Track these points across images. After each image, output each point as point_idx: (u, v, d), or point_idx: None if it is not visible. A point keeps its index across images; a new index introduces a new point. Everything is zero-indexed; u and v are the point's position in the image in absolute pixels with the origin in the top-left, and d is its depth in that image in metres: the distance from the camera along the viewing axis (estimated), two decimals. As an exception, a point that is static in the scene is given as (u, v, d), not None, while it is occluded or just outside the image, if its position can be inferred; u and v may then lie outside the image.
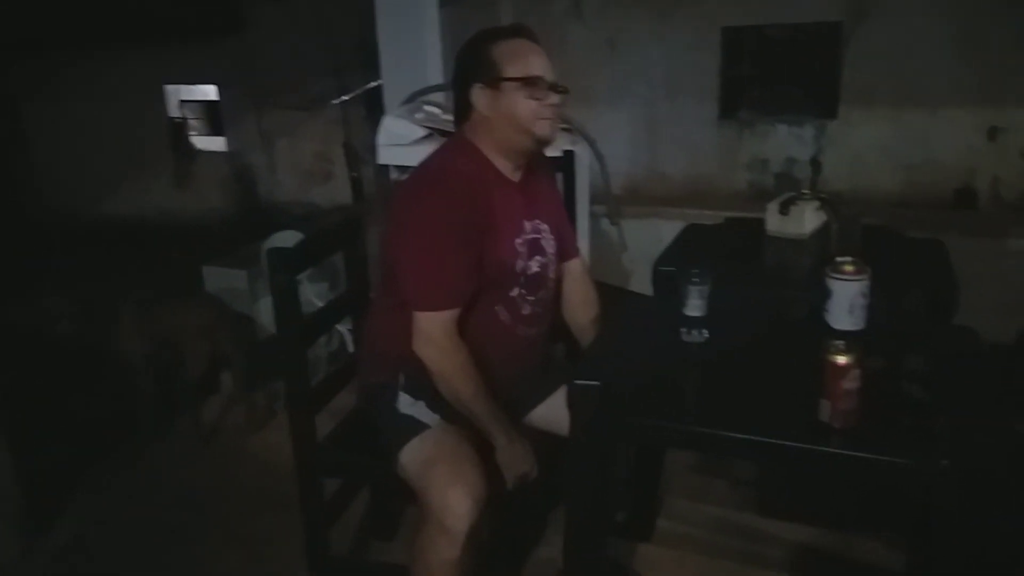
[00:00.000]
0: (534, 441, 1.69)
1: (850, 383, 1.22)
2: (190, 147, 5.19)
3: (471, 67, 1.61)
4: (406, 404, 1.65)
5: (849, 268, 1.54)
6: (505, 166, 1.66)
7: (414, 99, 2.67)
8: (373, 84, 3.37)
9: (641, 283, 2.33)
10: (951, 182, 3.44)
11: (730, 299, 1.56)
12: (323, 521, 1.85)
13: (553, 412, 1.74)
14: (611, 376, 1.43)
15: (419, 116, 2.54)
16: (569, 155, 2.32)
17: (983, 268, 2.63)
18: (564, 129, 2.67)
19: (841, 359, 1.22)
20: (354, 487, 2.03)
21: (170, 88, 5.09)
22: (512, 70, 1.57)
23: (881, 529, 2.07)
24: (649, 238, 2.73)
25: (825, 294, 1.56)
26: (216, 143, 5.12)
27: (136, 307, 2.62)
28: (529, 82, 1.56)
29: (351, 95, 4.06)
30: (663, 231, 2.67)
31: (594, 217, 2.86)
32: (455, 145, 1.69)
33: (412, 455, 1.61)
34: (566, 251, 1.85)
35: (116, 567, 2.14)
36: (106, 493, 2.43)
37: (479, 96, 1.60)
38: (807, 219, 2.20)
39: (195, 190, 5.18)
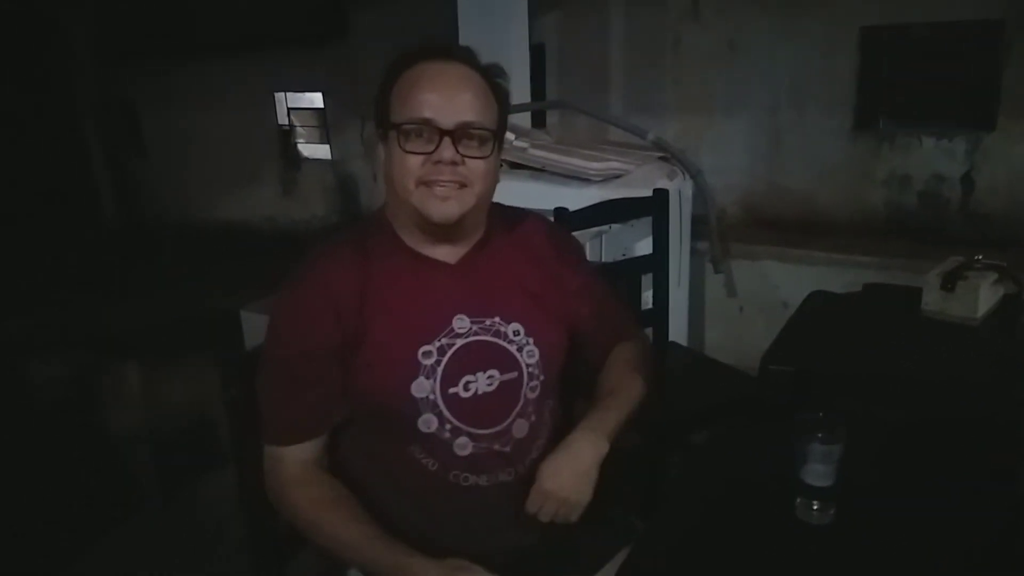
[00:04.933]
0: None
1: None
2: (298, 154, 5.18)
3: (376, 105, 1.16)
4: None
5: None
6: (423, 243, 1.18)
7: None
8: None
9: (755, 339, 1.92)
10: None
11: (872, 431, 1.09)
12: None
13: None
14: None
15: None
16: (661, 196, 1.94)
17: None
18: (662, 158, 2.36)
19: None
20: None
21: (279, 96, 5.09)
22: (395, 109, 1.11)
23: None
24: (764, 283, 2.37)
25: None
26: (322, 151, 5.08)
27: (140, 372, 2.27)
28: (407, 129, 1.09)
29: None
30: (782, 275, 2.30)
31: (697, 255, 2.49)
32: (362, 223, 1.25)
33: None
34: (598, 354, 1.33)
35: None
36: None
37: (378, 147, 1.17)
38: (982, 297, 1.68)
39: (300, 198, 5.17)
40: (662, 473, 1.82)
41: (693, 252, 2.41)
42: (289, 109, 5.11)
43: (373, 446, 1.20)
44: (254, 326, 2.70)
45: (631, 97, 3.67)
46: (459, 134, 1.10)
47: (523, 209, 1.36)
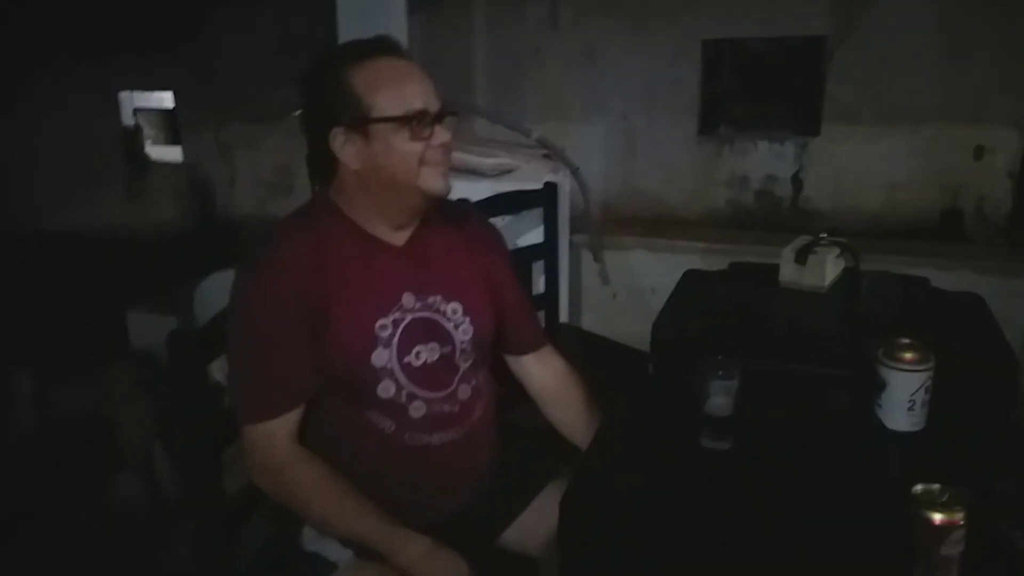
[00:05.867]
0: (502, 564, 1.35)
1: (951, 547, 0.91)
2: (144, 157, 4.93)
3: (326, 104, 1.23)
4: (311, 539, 1.30)
5: (909, 355, 1.24)
6: (381, 227, 1.29)
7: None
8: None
9: (628, 323, 2.15)
10: (936, 203, 3.35)
11: (750, 378, 1.25)
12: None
13: (527, 533, 1.38)
14: (612, 504, 1.12)
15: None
16: (551, 188, 2.09)
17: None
18: (544, 156, 2.51)
19: (939, 516, 0.90)
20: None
21: (123, 95, 4.84)
22: (383, 105, 1.20)
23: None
24: (634, 271, 2.56)
25: (877, 384, 1.27)
26: (172, 153, 4.88)
27: (31, 376, 2.15)
28: (408, 120, 1.20)
29: (315, 106, 3.86)
30: (650, 264, 2.52)
31: (573, 248, 2.67)
32: (307, 208, 1.32)
33: None
34: (523, 341, 1.47)
35: None
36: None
37: (341, 144, 1.23)
38: (828, 269, 1.98)
39: (149, 203, 4.93)
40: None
41: (571, 244, 2.58)
42: (135, 109, 4.87)
43: (333, 415, 1.27)
44: (141, 326, 2.63)
45: (496, 102, 3.81)
46: (442, 118, 1.25)
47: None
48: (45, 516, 2.24)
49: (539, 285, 2.08)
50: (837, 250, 2.03)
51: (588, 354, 2.09)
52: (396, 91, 1.21)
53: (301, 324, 1.22)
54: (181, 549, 2.08)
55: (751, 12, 3.43)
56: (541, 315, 2.06)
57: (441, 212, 1.39)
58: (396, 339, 1.26)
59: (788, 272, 2.01)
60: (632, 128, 3.79)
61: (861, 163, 3.42)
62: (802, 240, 2.06)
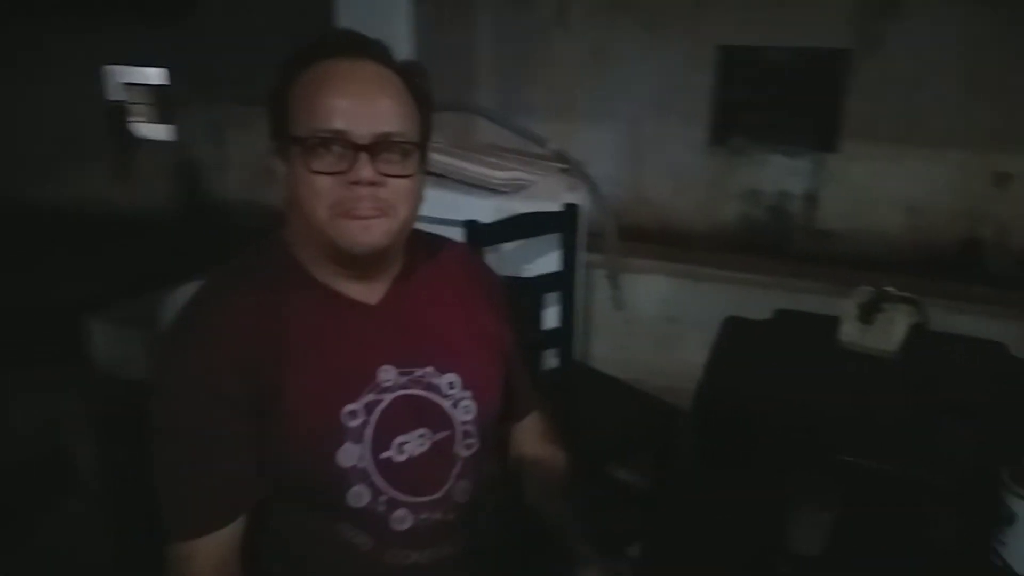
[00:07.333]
0: None
1: None
2: (131, 134, 4.74)
3: (270, 114, 0.97)
4: None
5: None
6: (337, 278, 1.00)
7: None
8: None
9: (642, 353, 1.96)
10: (955, 228, 3.22)
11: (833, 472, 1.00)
12: None
13: None
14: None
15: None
16: (572, 210, 1.90)
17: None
18: (563, 170, 2.35)
19: None
20: None
21: (113, 69, 4.63)
22: (299, 120, 0.93)
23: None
24: (651, 297, 2.40)
25: (1003, 516, 1.01)
26: (162, 132, 4.68)
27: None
28: (314, 144, 0.91)
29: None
30: (669, 290, 2.36)
31: (585, 268, 2.49)
32: (255, 252, 1.03)
33: None
34: (516, 408, 1.19)
35: None
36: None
37: (276, 164, 0.97)
38: (897, 330, 1.74)
39: (135, 183, 4.74)
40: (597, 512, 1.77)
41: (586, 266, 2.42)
42: (124, 84, 4.67)
43: (295, 526, 1.00)
44: (106, 340, 2.38)
45: (500, 99, 3.64)
46: (377, 148, 0.92)
47: (437, 235, 1.19)
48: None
49: (550, 318, 1.91)
50: (905, 306, 1.79)
51: (602, 400, 1.88)
52: (316, 103, 0.91)
53: (240, 416, 0.93)
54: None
55: (771, 20, 3.28)
56: (553, 352, 1.90)
57: (425, 254, 1.10)
58: (371, 429, 0.97)
59: (851, 331, 1.78)
60: (641, 135, 3.64)
61: (879, 183, 3.29)
62: (863, 292, 1.81)
